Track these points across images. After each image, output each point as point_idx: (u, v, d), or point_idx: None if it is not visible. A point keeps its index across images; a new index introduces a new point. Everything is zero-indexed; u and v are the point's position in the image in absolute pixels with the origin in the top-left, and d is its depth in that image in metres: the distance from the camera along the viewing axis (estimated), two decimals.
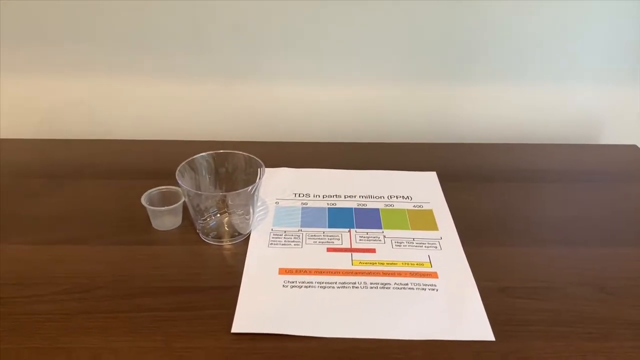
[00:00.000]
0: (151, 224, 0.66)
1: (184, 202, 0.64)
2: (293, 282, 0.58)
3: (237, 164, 0.66)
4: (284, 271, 0.59)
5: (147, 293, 0.56)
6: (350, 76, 0.86)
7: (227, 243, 0.63)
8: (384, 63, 0.85)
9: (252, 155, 0.65)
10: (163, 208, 0.64)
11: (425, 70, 0.86)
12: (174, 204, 0.65)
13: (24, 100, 0.87)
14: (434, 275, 0.59)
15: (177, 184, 0.61)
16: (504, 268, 0.61)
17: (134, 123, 0.89)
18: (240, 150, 0.66)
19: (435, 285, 0.58)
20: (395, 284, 0.58)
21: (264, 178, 0.63)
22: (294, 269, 0.59)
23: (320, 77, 0.86)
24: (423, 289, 0.57)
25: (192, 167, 0.64)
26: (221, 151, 0.66)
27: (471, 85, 0.87)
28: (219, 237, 0.63)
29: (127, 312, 0.54)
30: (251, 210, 0.64)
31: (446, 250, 0.63)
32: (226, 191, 0.66)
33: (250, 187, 0.60)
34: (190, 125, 0.89)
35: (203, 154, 0.65)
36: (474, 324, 0.53)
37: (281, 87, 0.87)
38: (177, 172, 0.62)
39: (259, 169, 0.64)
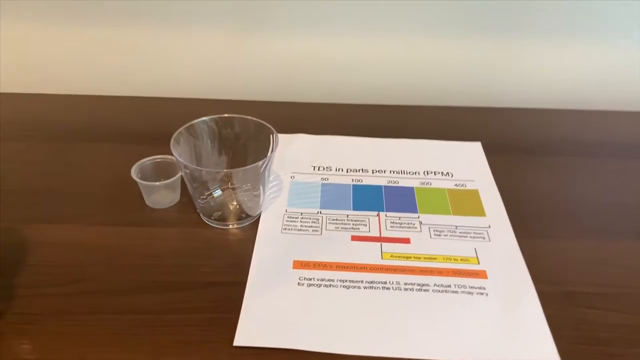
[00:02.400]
0: (144, 201, 0.56)
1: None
2: (310, 279, 0.47)
3: (245, 131, 0.55)
4: (299, 264, 0.49)
5: (136, 289, 0.47)
6: (382, 27, 0.73)
7: (232, 226, 0.53)
8: (422, 13, 0.72)
9: (262, 121, 0.54)
10: (157, 183, 0.54)
11: (470, 24, 0.73)
12: (170, 176, 0.55)
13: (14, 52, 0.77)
14: (482, 274, 0.48)
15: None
16: (570, 267, 0.50)
17: (126, 77, 0.77)
18: (250, 111, 0.55)
19: (484, 289, 0.47)
20: (435, 285, 0.47)
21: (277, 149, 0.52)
22: (311, 262, 0.49)
23: (347, 28, 0.73)
24: (469, 292, 0.47)
25: (191, 133, 0.54)
26: (226, 115, 0.55)
27: (523, 40, 0.73)
28: (223, 219, 0.53)
29: (111, 313, 0.44)
30: (261, 188, 0.53)
31: (496, 241, 0.52)
32: (233, 161, 0.55)
33: (260, 162, 0.50)
34: (192, 81, 0.77)
35: (204, 118, 0.54)
36: (534, 341, 0.43)
37: (300, 38, 0.74)
38: (172, 140, 0.51)
39: (271, 137, 0.53)
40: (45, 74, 0.77)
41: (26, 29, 0.74)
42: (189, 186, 0.53)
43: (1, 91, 0.75)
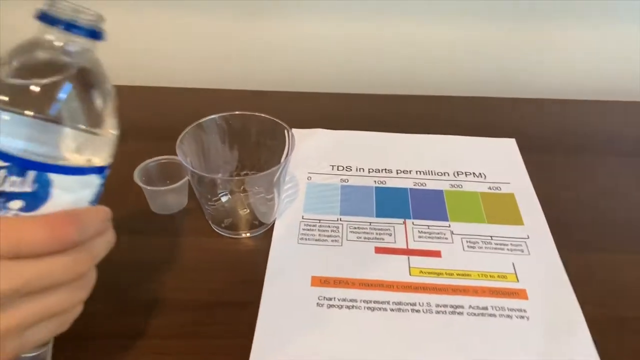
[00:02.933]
0: (148, 205, 0.51)
1: None
2: (330, 300, 0.43)
3: (258, 128, 0.50)
4: (318, 281, 0.44)
5: (135, 309, 0.42)
6: (407, 10, 0.67)
7: (244, 235, 0.49)
8: None
9: (277, 120, 0.48)
10: (163, 188, 0.49)
11: (502, 4, 0.66)
12: (177, 178, 0.50)
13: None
14: (522, 294, 0.43)
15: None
16: (621, 286, 0.44)
17: (126, 64, 0.72)
18: (262, 103, 0.50)
19: (524, 311, 0.42)
20: (470, 307, 0.42)
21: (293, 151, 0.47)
22: (331, 278, 0.44)
23: (369, 11, 0.67)
24: (509, 316, 0.42)
25: (199, 132, 0.49)
26: (237, 113, 0.49)
27: (566, 20, 0.67)
28: (233, 227, 0.48)
29: (104, 338, 0.40)
30: (276, 193, 0.48)
31: (536, 255, 0.47)
32: (245, 159, 0.50)
33: (275, 167, 0.45)
34: (199, 70, 0.72)
35: (213, 116, 0.49)
36: None
37: (317, 23, 0.68)
38: (177, 142, 0.46)
39: (286, 136, 0.48)
40: None
41: (20, 11, 0.69)
42: (195, 191, 0.48)
43: None
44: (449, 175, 0.55)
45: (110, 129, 0.31)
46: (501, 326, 0.41)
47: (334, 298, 0.43)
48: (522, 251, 0.47)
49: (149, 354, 0.39)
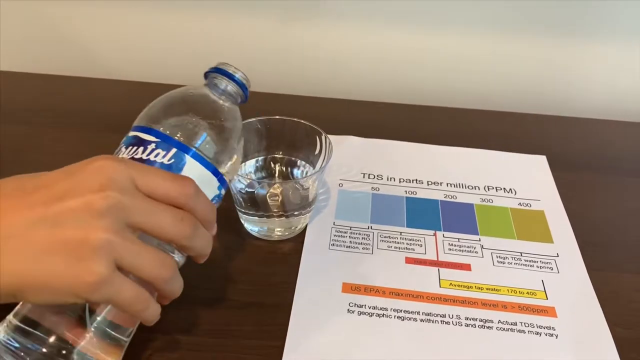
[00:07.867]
0: None
1: None
2: (361, 307, 0.43)
3: (294, 133, 0.51)
4: (349, 288, 0.45)
5: (169, 306, 0.43)
6: (441, 23, 0.68)
7: (276, 239, 0.49)
8: (483, 8, 0.66)
9: (315, 126, 0.49)
10: None
11: (537, 20, 0.67)
12: None
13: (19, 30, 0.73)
14: (551, 311, 0.44)
15: None
16: None
17: (162, 64, 0.73)
18: (294, 106, 0.51)
19: (554, 329, 0.42)
20: (499, 321, 0.43)
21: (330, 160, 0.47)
22: (362, 286, 0.45)
23: (404, 22, 0.68)
24: (537, 332, 0.42)
25: None
26: (276, 117, 0.50)
27: (603, 38, 0.67)
28: (266, 230, 0.49)
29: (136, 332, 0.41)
30: (310, 199, 0.49)
31: (565, 273, 0.47)
32: (278, 161, 0.51)
33: (313, 174, 0.45)
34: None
35: (250, 120, 0.50)
36: None
37: (351, 31, 0.69)
38: None
39: (323, 144, 0.49)
40: (63, 54, 0.74)
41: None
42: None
43: (2, 69, 0.71)
44: (479, 189, 0.55)
45: (235, 153, 0.40)
46: (530, 342, 0.41)
47: (365, 305, 0.43)
48: (552, 269, 0.47)
49: (182, 350, 0.40)
